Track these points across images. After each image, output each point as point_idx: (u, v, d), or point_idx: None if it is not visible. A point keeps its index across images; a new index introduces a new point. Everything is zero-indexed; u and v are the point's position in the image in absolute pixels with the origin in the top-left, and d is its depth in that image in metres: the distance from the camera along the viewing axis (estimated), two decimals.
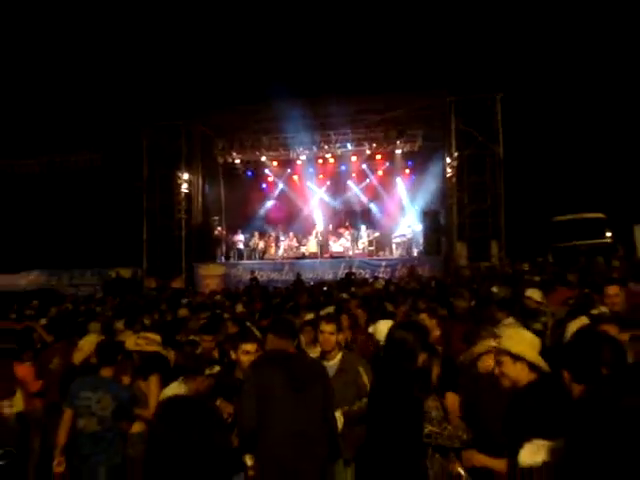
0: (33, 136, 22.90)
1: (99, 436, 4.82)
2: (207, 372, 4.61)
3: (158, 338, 5.67)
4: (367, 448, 3.63)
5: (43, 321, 10.41)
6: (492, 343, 3.89)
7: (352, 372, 4.52)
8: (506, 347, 3.31)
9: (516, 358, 3.25)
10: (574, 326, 4.47)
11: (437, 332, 5.74)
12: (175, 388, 4.58)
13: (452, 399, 4.02)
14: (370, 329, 5.56)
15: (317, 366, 4.19)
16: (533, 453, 2.54)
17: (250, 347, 4.43)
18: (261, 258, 22.54)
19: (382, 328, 5.25)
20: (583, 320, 4.67)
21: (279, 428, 3.64)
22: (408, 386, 3.47)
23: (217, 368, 4.59)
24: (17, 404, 6.36)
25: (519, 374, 3.25)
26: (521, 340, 3.33)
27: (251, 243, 22.83)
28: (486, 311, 6.72)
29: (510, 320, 6.52)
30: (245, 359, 4.37)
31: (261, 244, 22.87)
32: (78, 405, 4.87)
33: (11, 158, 23.10)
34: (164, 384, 5.05)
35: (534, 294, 7.63)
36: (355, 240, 22.32)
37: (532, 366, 3.23)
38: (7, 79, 25.52)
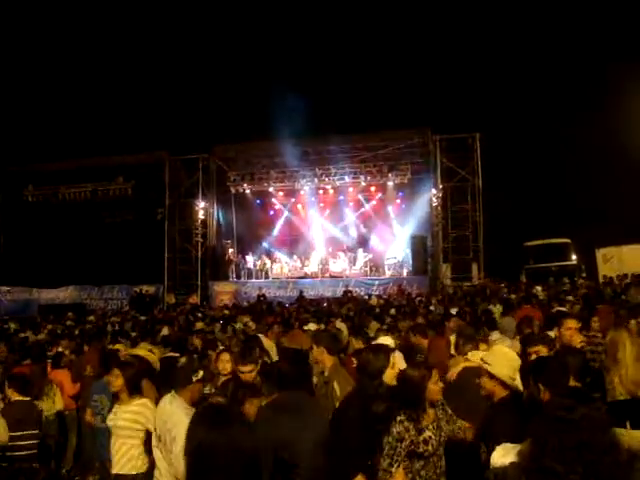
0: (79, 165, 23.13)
1: (104, 432, 4.83)
2: (194, 378, 3.95)
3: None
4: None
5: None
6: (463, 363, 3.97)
7: (329, 386, 4.27)
8: (486, 366, 3.35)
9: (491, 377, 3.33)
10: None
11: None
12: (169, 400, 3.92)
13: None
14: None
15: (322, 408, 3.89)
16: (503, 455, 2.57)
17: (246, 369, 4.25)
18: (267, 277, 22.58)
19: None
20: None
21: (303, 472, 3.04)
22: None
23: (201, 373, 4.18)
24: (57, 404, 6.55)
25: (493, 389, 3.34)
26: (502, 360, 3.37)
27: (259, 264, 22.88)
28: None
29: (496, 335, 6.50)
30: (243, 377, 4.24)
31: (268, 265, 22.90)
32: (93, 406, 5.31)
33: (59, 184, 23.22)
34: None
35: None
36: (352, 262, 22.33)
37: (504, 384, 3.31)
38: (63, 116, 26.25)
